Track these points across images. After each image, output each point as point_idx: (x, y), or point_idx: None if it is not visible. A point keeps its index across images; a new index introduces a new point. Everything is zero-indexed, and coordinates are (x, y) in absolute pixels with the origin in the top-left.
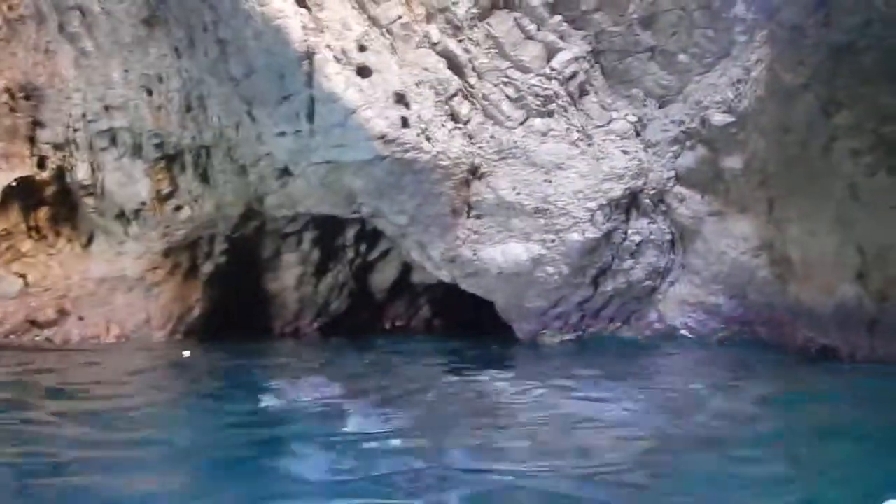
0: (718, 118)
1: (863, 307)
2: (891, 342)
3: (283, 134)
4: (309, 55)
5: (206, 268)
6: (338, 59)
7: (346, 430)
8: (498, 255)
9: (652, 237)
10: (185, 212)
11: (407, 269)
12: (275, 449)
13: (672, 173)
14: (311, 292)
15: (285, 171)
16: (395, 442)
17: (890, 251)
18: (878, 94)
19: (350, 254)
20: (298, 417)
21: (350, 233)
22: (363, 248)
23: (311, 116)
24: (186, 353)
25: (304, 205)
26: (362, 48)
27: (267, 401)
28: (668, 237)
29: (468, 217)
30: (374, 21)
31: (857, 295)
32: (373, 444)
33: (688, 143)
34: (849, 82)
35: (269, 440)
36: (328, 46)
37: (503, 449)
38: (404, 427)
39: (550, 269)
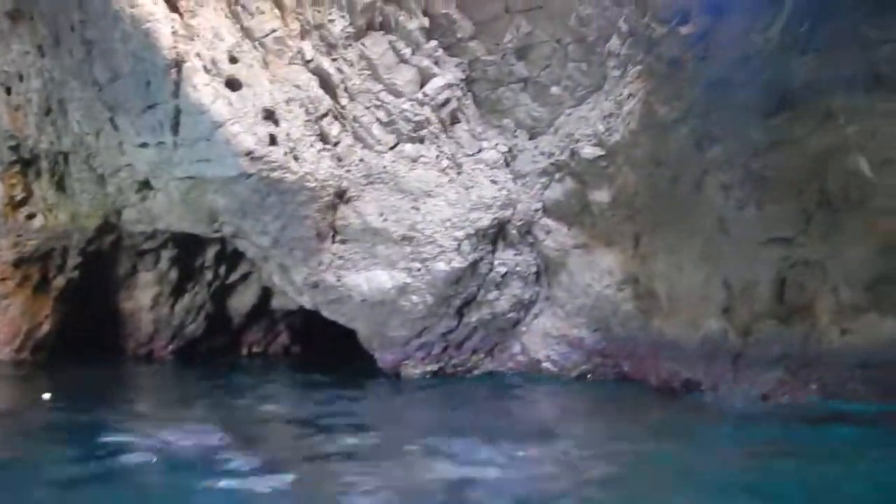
0: (588, 151)
1: (728, 341)
2: (755, 375)
3: (145, 145)
4: (178, 63)
5: (58, 282)
6: (207, 70)
7: None
8: (362, 282)
9: (518, 269)
10: (39, 220)
11: (267, 293)
12: None
13: (540, 205)
14: (166, 313)
15: (146, 185)
16: None
17: (756, 286)
18: (751, 129)
19: (209, 275)
20: None
21: (210, 253)
22: (223, 269)
23: (175, 128)
24: (47, 396)
25: (164, 221)
26: (233, 60)
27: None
28: (534, 269)
29: (333, 242)
30: (247, 33)
31: (723, 329)
32: None
33: (556, 176)
34: (723, 117)
35: None
36: (198, 55)
37: None
38: None
39: (415, 298)
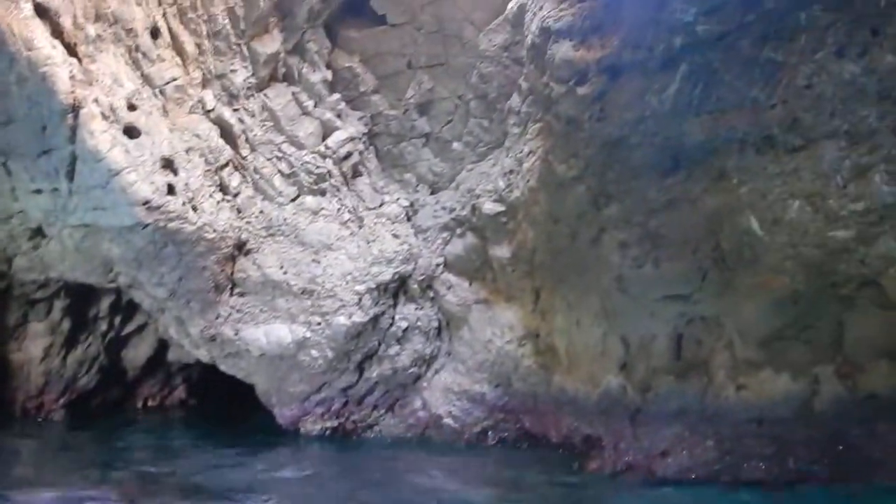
0: (489, 207)
1: (626, 397)
2: (654, 431)
3: (39, 191)
4: (75, 108)
5: None
6: (105, 116)
7: None
8: (261, 335)
9: (419, 323)
10: None
11: (163, 345)
12: None
13: (441, 259)
14: (58, 365)
15: (38, 232)
16: None
17: (653, 342)
18: (647, 188)
19: (103, 326)
20: None
21: (104, 303)
22: (118, 320)
23: (71, 174)
24: None
25: (57, 270)
26: (132, 107)
27: None
28: (435, 324)
29: (231, 294)
30: (147, 80)
31: (621, 385)
32: None
33: (458, 231)
34: (619, 176)
35: None
36: (96, 101)
37: None
38: None
39: (315, 353)
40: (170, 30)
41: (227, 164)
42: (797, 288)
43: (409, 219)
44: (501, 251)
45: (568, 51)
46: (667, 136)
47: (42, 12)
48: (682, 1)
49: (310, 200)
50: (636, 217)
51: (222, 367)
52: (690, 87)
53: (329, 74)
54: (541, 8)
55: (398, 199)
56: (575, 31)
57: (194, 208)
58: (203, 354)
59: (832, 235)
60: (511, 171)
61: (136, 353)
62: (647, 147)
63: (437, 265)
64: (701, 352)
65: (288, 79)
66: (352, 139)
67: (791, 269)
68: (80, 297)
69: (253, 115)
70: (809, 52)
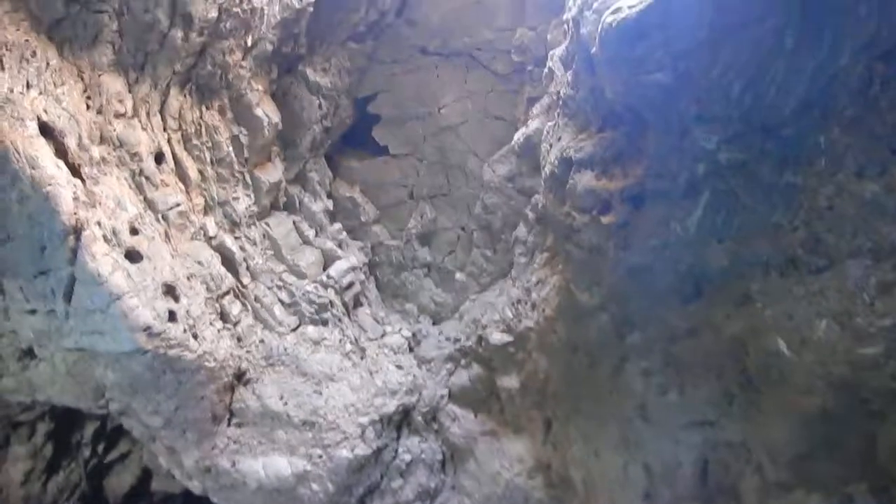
0: (497, 337)
1: None
2: None
3: (33, 312)
4: (76, 230)
5: None
6: (107, 239)
7: None
8: (259, 468)
9: (423, 456)
10: None
11: (147, 474)
12: None
13: (446, 391)
14: (38, 491)
15: (29, 353)
16: None
17: (678, 469)
18: (670, 314)
19: (86, 452)
20: None
21: (89, 429)
22: (101, 447)
23: (68, 296)
24: None
25: (45, 393)
26: (134, 231)
27: None
28: (440, 457)
29: (229, 425)
30: (150, 204)
31: None
32: None
33: (463, 361)
34: (642, 303)
35: None
36: (98, 224)
37: None
38: None
39: (315, 487)
40: (174, 155)
41: (228, 292)
42: (826, 406)
43: (411, 349)
44: (510, 381)
45: (590, 180)
46: (690, 262)
47: (47, 131)
48: (704, 129)
49: (311, 330)
50: (659, 344)
51: (215, 500)
52: (713, 214)
53: (330, 204)
54: (559, 139)
55: (400, 329)
56: (596, 161)
57: (195, 336)
58: (195, 486)
59: (861, 352)
60: (519, 301)
61: (119, 482)
62: (671, 273)
63: (442, 396)
64: (728, 476)
65: (289, 208)
66: (353, 269)
67: (820, 388)
68: (65, 422)
69: (254, 244)
70: (829, 174)
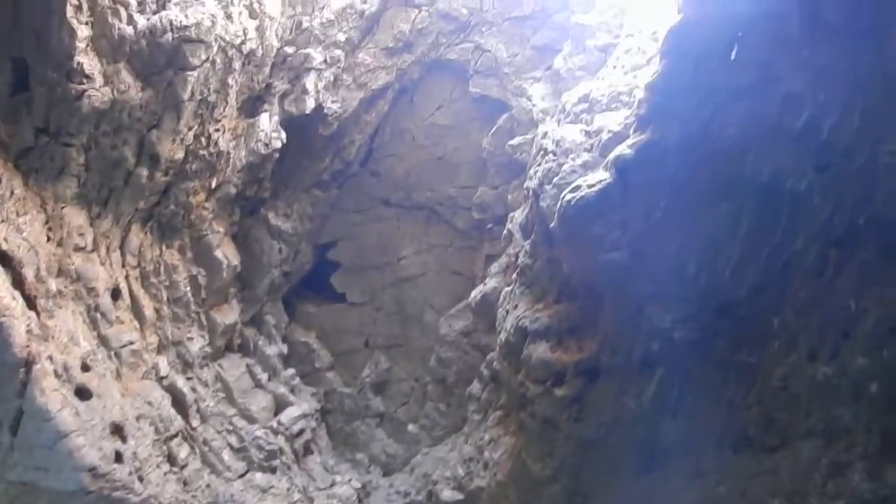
0: (447, 495)
1: None
2: None
3: None
4: (28, 363)
5: None
6: (58, 375)
7: None
8: None
9: None
10: None
11: None
12: None
13: None
14: None
15: None
16: None
17: None
18: (622, 487)
19: None
20: None
21: None
22: None
23: (15, 429)
24: None
25: None
26: (86, 367)
27: None
28: None
29: None
30: (103, 340)
31: None
32: None
33: None
34: (595, 475)
35: None
36: (50, 358)
37: None
38: None
39: None
40: (131, 292)
41: (176, 435)
42: None
43: (360, 501)
44: None
45: (545, 352)
46: (643, 436)
47: (6, 261)
48: (659, 308)
49: (259, 477)
50: None
51: None
52: (667, 389)
53: (285, 348)
54: (516, 306)
55: (350, 479)
56: (552, 332)
57: (140, 479)
58: None
59: None
60: (471, 459)
61: None
62: (624, 447)
63: None
64: None
65: (243, 350)
66: (305, 416)
67: None
68: None
69: (206, 385)
70: (783, 355)
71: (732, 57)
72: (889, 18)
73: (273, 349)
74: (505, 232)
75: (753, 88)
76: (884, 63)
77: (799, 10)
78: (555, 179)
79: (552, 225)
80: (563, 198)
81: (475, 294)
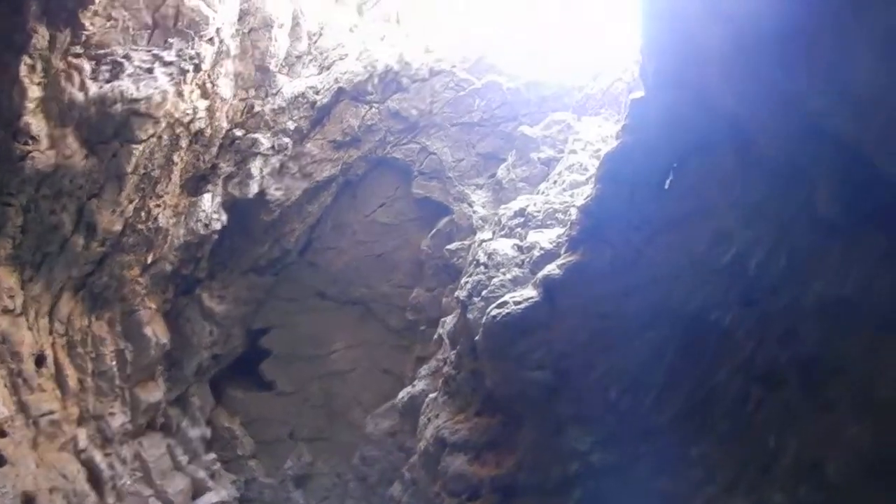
0: None
1: None
2: None
3: None
4: None
5: None
6: None
7: None
8: None
9: None
10: None
11: None
12: None
13: None
14: None
15: None
16: None
17: None
18: None
19: None
20: None
21: None
22: None
23: None
24: None
25: None
26: (2, 433)
27: None
28: None
29: None
30: (23, 407)
31: None
32: None
33: None
34: None
35: None
36: None
37: None
38: None
39: None
40: (56, 360)
41: None
42: None
43: None
44: None
45: (462, 465)
46: None
47: None
48: (579, 430)
49: None
50: None
51: None
52: None
53: (208, 432)
54: (437, 416)
55: None
56: (470, 445)
57: None
58: None
59: None
60: None
61: None
62: None
63: None
64: None
65: (165, 430)
66: (222, 503)
67: None
68: None
69: (124, 463)
70: (701, 485)
71: (666, 186)
72: (820, 160)
73: (196, 432)
74: (436, 336)
75: (685, 219)
76: (813, 205)
77: (734, 146)
78: (483, 292)
79: (478, 338)
80: (489, 312)
81: (403, 395)
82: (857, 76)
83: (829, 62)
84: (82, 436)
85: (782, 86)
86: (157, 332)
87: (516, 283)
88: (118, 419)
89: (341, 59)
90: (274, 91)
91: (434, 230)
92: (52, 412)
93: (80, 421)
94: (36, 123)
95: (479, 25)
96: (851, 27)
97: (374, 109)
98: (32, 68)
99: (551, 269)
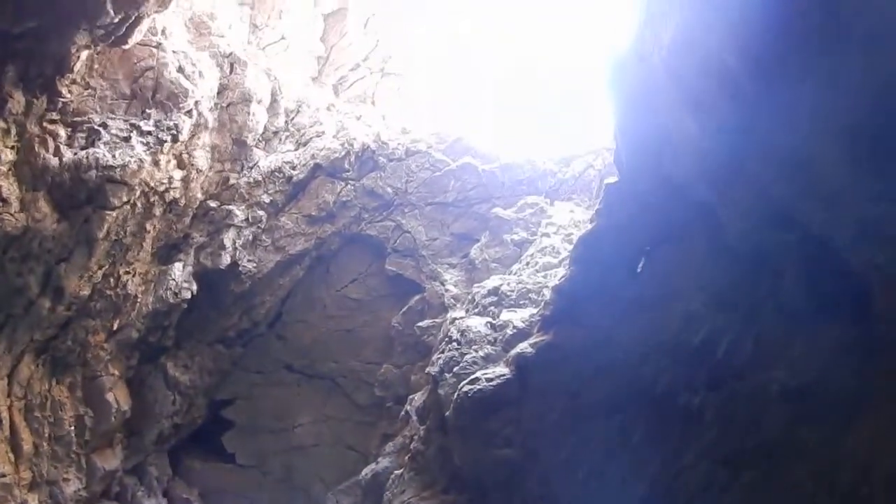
0: None
1: None
2: None
3: None
4: None
5: None
6: None
7: None
8: None
9: None
10: None
11: None
12: None
13: None
14: None
15: None
16: None
17: None
18: None
19: None
20: None
21: None
22: None
23: None
24: None
25: None
26: None
27: None
28: None
29: None
30: None
31: None
32: None
33: None
34: None
35: None
36: None
37: None
38: None
39: None
40: (12, 423)
41: None
42: None
43: None
44: None
45: None
46: None
47: None
48: None
49: None
50: None
51: None
52: None
53: (164, 503)
54: (403, 491)
55: None
56: None
57: None
58: None
59: None
60: None
61: None
62: None
63: None
64: None
65: (120, 499)
66: None
67: None
68: None
69: None
70: None
71: (639, 270)
72: (788, 249)
73: (152, 502)
74: (403, 413)
75: (656, 302)
76: (780, 293)
77: (705, 233)
78: (455, 368)
79: (448, 413)
80: (461, 388)
81: (366, 472)
82: (824, 170)
83: (799, 155)
84: (33, 502)
85: (755, 177)
86: (118, 398)
87: (488, 360)
88: (72, 485)
89: (318, 136)
90: (250, 164)
91: (406, 307)
92: (3, 475)
93: (32, 486)
94: (7, 186)
95: (454, 107)
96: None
97: (349, 186)
98: (6, 132)
99: (524, 347)
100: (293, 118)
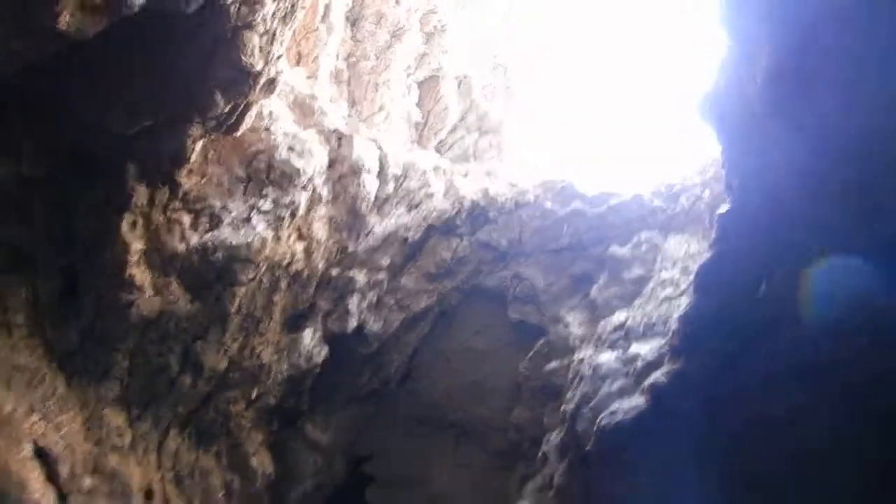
0: None
1: None
2: None
3: None
4: None
5: None
6: None
7: None
8: None
9: None
10: None
11: None
12: None
13: None
14: None
15: None
16: None
17: None
18: None
19: None
20: None
21: None
22: None
23: None
24: None
25: None
26: None
27: None
28: None
29: None
30: None
31: None
32: None
33: None
34: None
35: None
36: None
37: None
38: None
39: None
40: (164, 494)
41: None
42: None
43: None
44: None
45: None
46: None
47: (42, 454)
48: None
49: None
50: None
51: None
52: None
53: None
54: None
55: None
56: None
57: None
58: None
59: None
60: None
61: None
62: None
63: None
64: None
65: None
66: None
67: None
68: None
69: None
70: None
71: (759, 294)
72: None
73: None
74: (540, 454)
75: (777, 324)
76: None
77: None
78: (591, 403)
79: (588, 447)
80: (599, 421)
81: None
82: None
83: None
84: None
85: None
86: (262, 462)
87: (623, 392)
88: None
89: (428, 197)
90: (366, 231)
91: (532, 352)
92: None
93: None
94: (140, 274)
95: (555, 156)
96: None
97: (464, 242)
98: (133, 224)
99: (657, 376)
100: (402, 182)
